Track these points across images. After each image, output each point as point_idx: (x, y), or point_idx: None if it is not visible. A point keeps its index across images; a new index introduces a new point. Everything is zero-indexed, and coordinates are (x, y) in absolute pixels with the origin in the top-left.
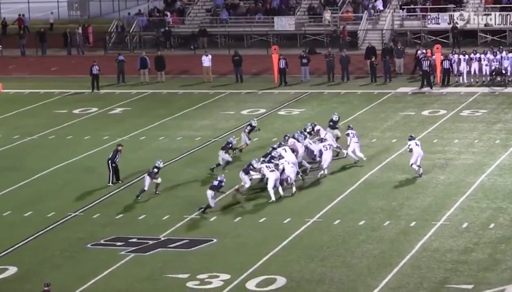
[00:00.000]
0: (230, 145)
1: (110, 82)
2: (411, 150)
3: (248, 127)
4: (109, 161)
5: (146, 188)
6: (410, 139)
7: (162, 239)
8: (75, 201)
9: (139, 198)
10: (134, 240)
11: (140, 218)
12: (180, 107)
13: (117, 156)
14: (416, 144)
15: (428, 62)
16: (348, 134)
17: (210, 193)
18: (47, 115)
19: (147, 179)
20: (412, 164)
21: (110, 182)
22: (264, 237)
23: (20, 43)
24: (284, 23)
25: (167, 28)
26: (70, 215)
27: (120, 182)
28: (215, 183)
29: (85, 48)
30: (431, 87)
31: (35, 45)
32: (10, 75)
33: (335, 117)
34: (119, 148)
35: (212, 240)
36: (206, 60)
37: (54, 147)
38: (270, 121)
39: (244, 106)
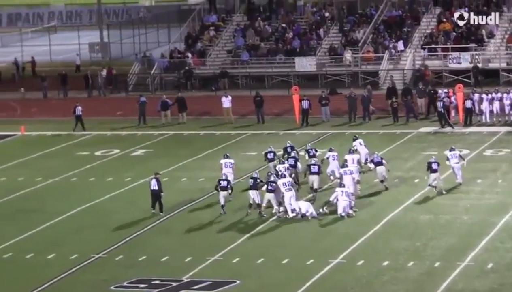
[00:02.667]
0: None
1: (131, 124)
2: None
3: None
4: (159, 192)
5: (260, 202)
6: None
7: (185, 280)
8: (98, 242)
9: (263, 214)
10: (157, 282)
11: (163, 259)
12: (202, 148)
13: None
14: (360, 144)
15: (443, 103)
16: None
17: (253, 192)
18: (70, 157)
19: (253, 193)
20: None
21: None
22: (287, 278)
23: (42, 85)
24: (305, 64)
25: (187, 68)
26: (93, 257)
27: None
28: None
29: (106, 90)
30: (452, 127)
31: (57, 88)
32: (32, 118)
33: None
34: (157, 176)
35: (235, 282)
36: (226, 101)
37: (76, 189)
38: None
39: (265, 147)
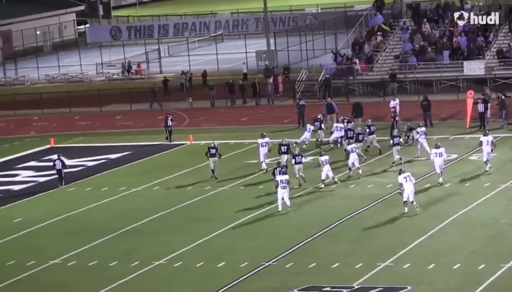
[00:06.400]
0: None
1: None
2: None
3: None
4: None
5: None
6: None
7: (356, 287)
8: (269, 250)
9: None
10: (327, 288)
11: (333, 266)
12: (368, 154)
13: None
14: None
15: None
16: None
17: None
18: (238, 166)
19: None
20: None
21: None
22: (458, 284)
23: (209, 94)
24: (474, 68)
25: (327, 76)
26: (264, 264)
27: None
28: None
29: (274, 98)
30: None
31: (225, 96)
32: (200, 127)
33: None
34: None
35: (407, 288)
36: (393, 104)
37: (246, 197)
38: (461, 167)
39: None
